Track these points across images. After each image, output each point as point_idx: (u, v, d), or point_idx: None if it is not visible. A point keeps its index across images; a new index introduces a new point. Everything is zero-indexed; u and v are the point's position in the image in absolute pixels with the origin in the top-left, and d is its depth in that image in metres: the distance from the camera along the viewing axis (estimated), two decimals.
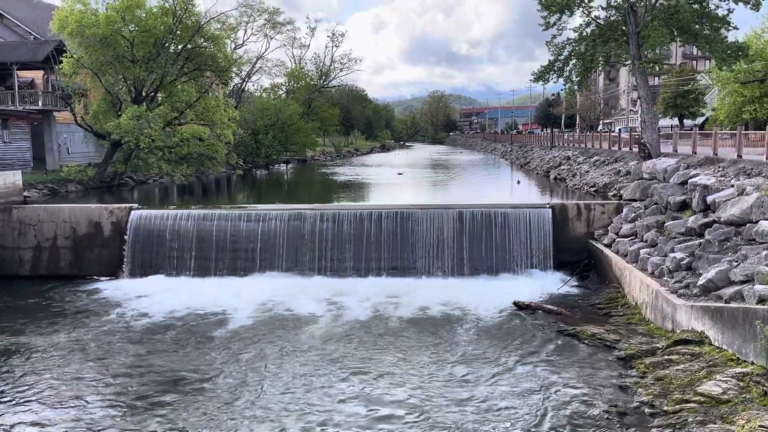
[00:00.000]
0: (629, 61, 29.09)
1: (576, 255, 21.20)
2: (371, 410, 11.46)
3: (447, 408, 11.51)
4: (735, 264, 13.57)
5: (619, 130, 47.70)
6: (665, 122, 60.46)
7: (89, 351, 14.59)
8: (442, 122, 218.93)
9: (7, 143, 38.94)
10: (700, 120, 60.21)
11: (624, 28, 28.42)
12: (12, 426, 10.95)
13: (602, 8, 29.41)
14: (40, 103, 42.15)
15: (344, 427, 10.85)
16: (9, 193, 24.22)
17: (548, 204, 22.99)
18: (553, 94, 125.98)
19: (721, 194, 16.60)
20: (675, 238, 17.08)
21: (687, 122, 60.89)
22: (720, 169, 20.34)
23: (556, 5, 28.76)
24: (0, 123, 38.56)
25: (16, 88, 41.24)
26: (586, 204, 22.55)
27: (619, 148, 40.02)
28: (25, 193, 27.30)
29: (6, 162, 37.28)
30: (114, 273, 21.89)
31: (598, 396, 11.72)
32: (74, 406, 11.69)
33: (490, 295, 18.43)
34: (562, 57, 29.94)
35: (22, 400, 11.92)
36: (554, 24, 29.51)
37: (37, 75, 45.58)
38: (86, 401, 11.88)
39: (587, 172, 39.43)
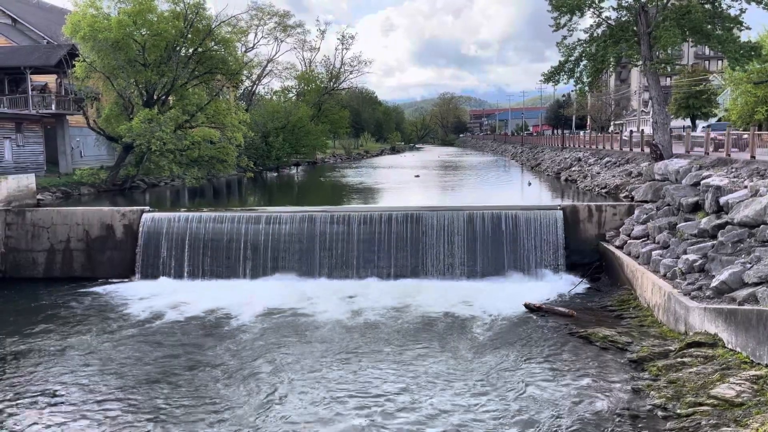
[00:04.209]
0: (640, 62, 28.95)
1: (587, 257, 21.11)
2: (382, 410, 11.46)
3: (456, 409, 11.48)
4: (749, 266, 13.46)
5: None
6: (677, 123, 60.02)
7: (101, 352, 14.69)
8: (452, 124, 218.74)
9: (20, 147, 39.30)
10: (712, 121, 59.78)
11: (635, 28, 28.29)
12: (25, 426, 11.04)
13: (613, 9, 29.31)
14: (53, 107, 42.56)
15: (356, 427, 10.87)
16: (23, 196, 24.47)
17: (559, 206, 22.91)
18: (563, 96, 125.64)
19: (735, 195, 16.47)
20: (687, 239, 16.96)
21: (699, 123, 60.49)
22: (733, 170, 20.19)
23: (567, 6, 28.68)
24: (14, 127, 38.92)
25: (30, 92, 41.67)
26: (598, 205, 22.44)
27: (631, 149, 39.78)
28: (39, 196, 27.54)
29: (20, 165, 37.63)
30: (126, 275, 22.04)
31: (611, 399, 11.65)
32: (86, 406, 11.77)
33: (500, 297, 18.39)
34: (572, 58, 29.85)
35: (35, 401, 12.01)
36: (565, 25, 29.43)
37: (51, 79, 46.04)
38: (98, 402, 11.95)
39: (598, 173, 39.25)
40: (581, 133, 76.52)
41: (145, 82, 38.87)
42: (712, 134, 28.57)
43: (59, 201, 33.16)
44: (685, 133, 34.23)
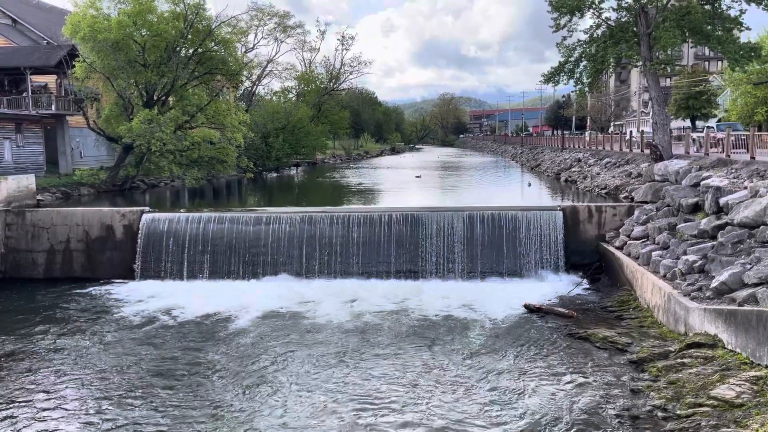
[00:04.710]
0: (640, 63, 28.95)
1: (587, 257, 21.13)
2: (382, 412, 11.46)
3: (455, 410, 11.47)
4: (748, 266, 13.46)
5: None
6: (677, 124, 59.96)
7: (100, 353, 14.68)
8: (452, 124, 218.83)
9: (20, 147, 39.29)
10: (712, 121, 59.81)
11: (635, 29, 28.28)
12: (23, 426, 11.03)
13: (613, 9, 29.32)
14: (53, 107, 42.56)
15: (351, 427, 10.86)
16: (23, 197, 24.47)
17: (559, 206, 22.92)
18: (563, 96, 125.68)
19: (734, 196, 16.47)
20: (687, 240, 16.97)
21: (699, 123, 60.52)
22: (733, 170, 20.19)
23: (567, 7, 28.69)
24: (14, 127, 38.90)
25: (30, 93, 41.68)
26: (598, 206, 22.45)
27: (631, 150, 39.79)
28: (39, 197, 27.53)
29: (20, 166, 37.62)
30: (126, 275, 22.04)
31: (610, 400, 11.65)
32: (84, 408, 11.76)
33: (500, 298, 18.40)
34: (572, 58, 29.86)
35: (33, 401, 12.00)
36: (565, 25, 29.43)
37: (51, 79, 46.03)
38: (96, 404, 11.95)
39: (598, 174, 39.25)
40: (586, 133, 76.03)
41: (145, 83, 38.88)
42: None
43: (59, 201, 33.16)
44: (685, 134, 34.22)
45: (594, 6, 28.84)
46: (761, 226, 14.52)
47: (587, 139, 60.01)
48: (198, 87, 42.26)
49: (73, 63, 37.74)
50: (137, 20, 36.81)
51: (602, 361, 13.64)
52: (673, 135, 31.33)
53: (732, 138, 24.16)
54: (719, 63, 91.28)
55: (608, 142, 48.19)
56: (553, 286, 19.71)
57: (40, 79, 45.72)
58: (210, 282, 21.17)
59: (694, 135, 31.90)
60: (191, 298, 19.05)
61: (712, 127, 40.84)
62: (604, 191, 33.51)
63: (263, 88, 76.69)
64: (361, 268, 21.20)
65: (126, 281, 21.71)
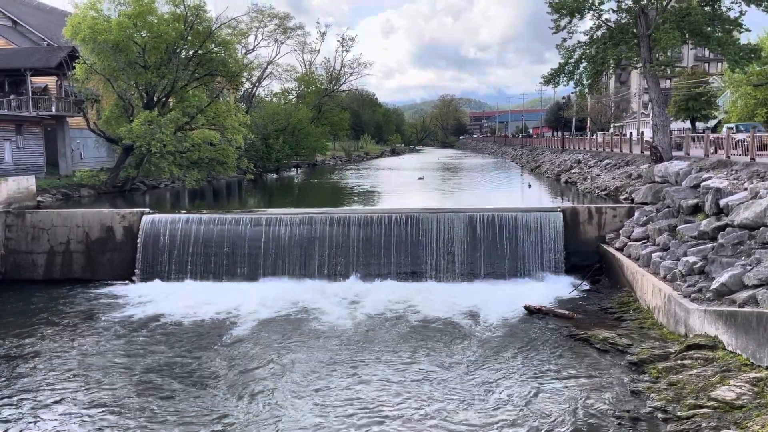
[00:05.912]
0: (640, 64, 28.96)
1: (587, 259, 21.11)
2: (381, 415, 11.45)
3: (456, 413, 11.47)
4: (749, 268, 13.46)
5: None
6: (677, 125, 59.90)
7: (99, 355, 14.67)
8: (452, 126, 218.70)
9: (20, 148, 39.28)
10: (712, 123, 59.85)
11: (635, 30, 28.29)
12: (20, 428, 11.03)
13: (613, 11, 29.33)
14: (53, 108, 42.58)
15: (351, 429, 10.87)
16: (23, 198, 24.48)
17: (559, 208, 22.92)
18: (563, 98, 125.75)
19: (734, 197, 16.48)
20: (687, 241, 16.97)
21: (699, 125, 60.54)
22: (733, 172, 20.20)
23: (566, 8, 28.69)
24: (14, 128, 38.92)
25: (30, 94, 41.70)
26: (598, 207, 22.46)
27: (630, 151, 39.77)
28: (39, 198, 27.55)
29: (20, 167, 37.61)
30: (126, 277, 22.03)
31: (611, 401, 11.65)
32: (82, 410, 11.76)
33: (501, 300, 18.38)
34: (572, 60, 29.86)
35: (30, 403, 12.00)
36: (564, 27, 29.43)
37: (51, 81, 46.07)
38: (94, 406, 11.94)
39: (598, 175, 39.24)
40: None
41: (145, 84, 38.88)
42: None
43: (59, 203, 33.15)
44: (684, 135, 34.21)
45: (594, 7, 28.85)
46: (761, 228, 14.52)
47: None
48: (198, 88, 42.28)
49: (74, 64, 37.76)
50: (137, 22, 36.82)
51: (602, 362, 13.64)
52: (673, 136, 31.31)
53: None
54: (719, 64, 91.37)
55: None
56: (554, 288, 19.70)
57: (40, 81, 45.75)
58: (210, 283, 21.13)
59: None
60: (191, 299, 19.02)
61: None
62: (604, 192, 33.50)
63: (263, 90, 76.81)
64: (361, 270, 21.17)
65: (126, 283, 21.70)
